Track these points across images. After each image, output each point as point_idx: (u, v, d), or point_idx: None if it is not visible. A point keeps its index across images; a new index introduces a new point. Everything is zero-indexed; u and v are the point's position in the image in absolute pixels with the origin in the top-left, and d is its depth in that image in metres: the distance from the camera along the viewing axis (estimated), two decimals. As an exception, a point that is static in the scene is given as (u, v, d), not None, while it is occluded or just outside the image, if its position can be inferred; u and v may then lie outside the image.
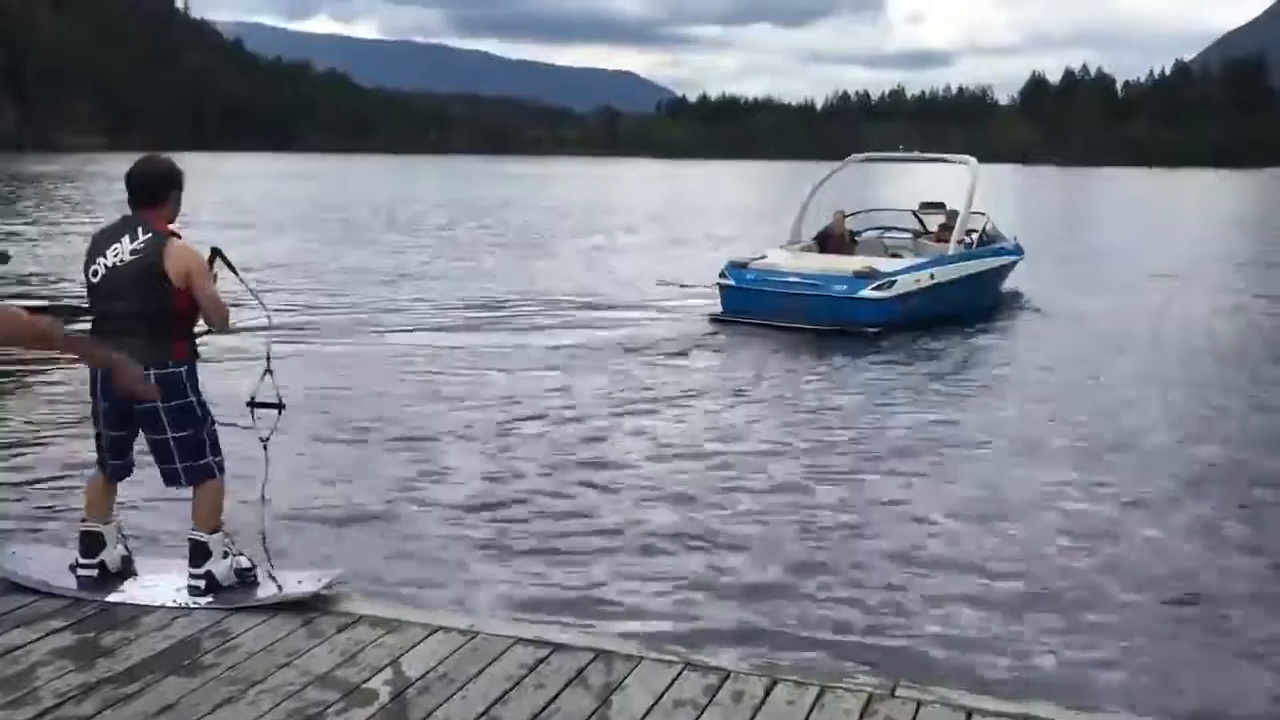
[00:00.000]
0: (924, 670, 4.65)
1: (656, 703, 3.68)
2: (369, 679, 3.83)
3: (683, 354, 12.24)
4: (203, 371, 4.57)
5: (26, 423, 8.69)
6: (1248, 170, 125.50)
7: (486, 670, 3.90)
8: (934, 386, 10.79)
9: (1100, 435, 8.92)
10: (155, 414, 4.39)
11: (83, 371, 4.57)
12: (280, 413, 4.63)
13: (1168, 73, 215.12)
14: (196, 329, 4.54)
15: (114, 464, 4.61)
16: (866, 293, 13.58)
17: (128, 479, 4.74)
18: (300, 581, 4.58)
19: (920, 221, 17.25)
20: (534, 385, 10.42)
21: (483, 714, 3.61)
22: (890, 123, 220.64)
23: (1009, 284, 17.14)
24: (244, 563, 4.62)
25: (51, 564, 4.72)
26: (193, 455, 4.48)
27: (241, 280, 4.72)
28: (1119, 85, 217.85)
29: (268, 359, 4.68)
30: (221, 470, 4.59)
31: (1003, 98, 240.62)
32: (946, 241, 15.69)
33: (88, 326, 4.53)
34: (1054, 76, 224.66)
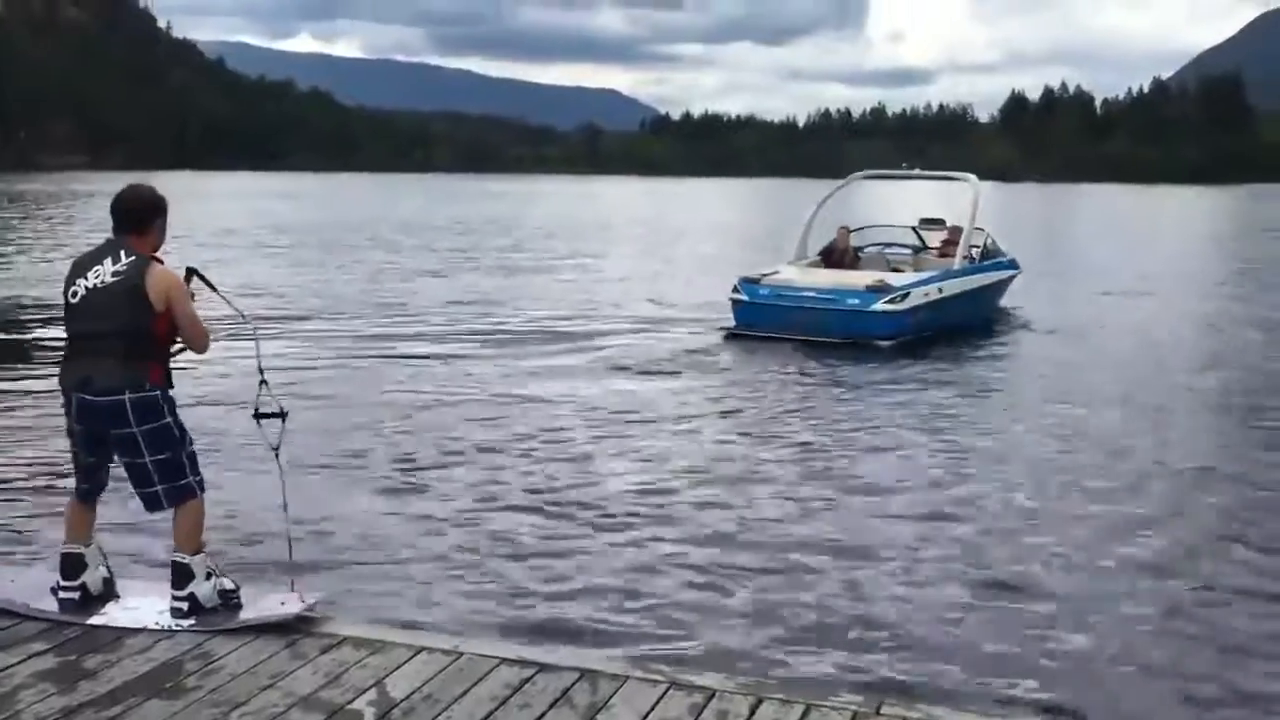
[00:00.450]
0: (909, 689, 4.66)
1: (642, 722, 3.67)
2: (353, 700, 3.82)
3: (675, 372, 12.21)
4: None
5: (2, 445, 8.62)
6: (1224, 186, 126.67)
7: (471, 691, 3.89)
8: (930, 406, 10.77)
9: (1100, 453, 8.95)
10: (132, 439, 4.37)
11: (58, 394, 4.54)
12: (284, 420, 4.64)
13: (1145, 90, 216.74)
14: (174, 349, 4.53)
15: (85, 487, 4.60)
16: (880, 306, 13.92)
17: (111, 502, 4.72)
18: (283, 603, 4.57)
19: (919, 237, 17.53)
20: (522, 404, 10.41)
21: (468, 735, 3.60)
22: (871, 140, 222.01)
23: (1004, 298, 17.47)
24: (227, 584, 4.60)
25: (32, 586, 4.70)
26: (172, 476, 4.46)
27: (222, 295, 4.72)
28: (1098, 103, 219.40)
29: (260, 370, 4.68)
30: (202, 489, 4.57)
31: (983, 115, 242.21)
32: (948, 256, 16.06)
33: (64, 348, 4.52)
34: (1033, 94, 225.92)
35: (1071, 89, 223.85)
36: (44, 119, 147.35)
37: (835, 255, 16.18)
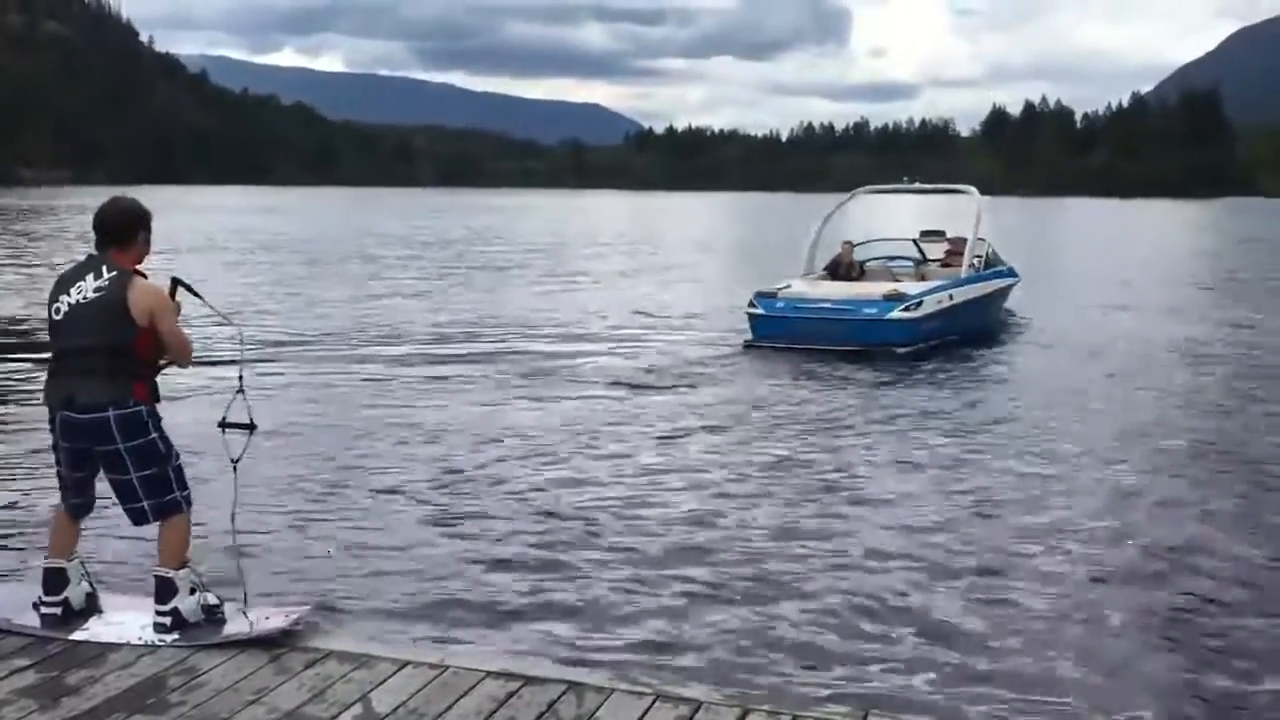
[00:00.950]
0: (895, 699, 4.67)
1: (628, 734, 3.67)
2: (337, 716, 3.80)
3: (668, 386, 12.15)
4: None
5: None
6: (1202, 200, 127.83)
7: (457, 704, 3.88)
8: (930, 416, 10.79)
9: (1100, 460, 8.97)
10: (117, 455, 4.35)
11: (43, 408, 4.52)
12: (251, 433, 4.61)
13: (1125, 105, 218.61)
14: (161, 364, 4.51)
15: (74, 502, 4.56)
16: (896, 314, 14.26)
17: (94, 515, 4.69)
18: (268, 618, 4.54)
19: (920, 249, 17.92)
20: (507, 416, 10.39)
21: (454, 748, 3.59)
22: (854, 154, 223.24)
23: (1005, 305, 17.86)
24: (211, 599, 4.58)
25: (13, 601, 4.66)
26: (159, 491, 4.43)
27: (207, 304, 4.71)
28: (1078, 117, 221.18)
29: (240, 380, 4.66)
30: (189, 504, 4.55)
31: (964, 129, 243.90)
32: (952, 267, 16.52)
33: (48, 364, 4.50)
34: (1015, 109, 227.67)
35: (1052, 103, 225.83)
36: (25, 134, 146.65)
37: (840, 269, 16.53)
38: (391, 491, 7.83)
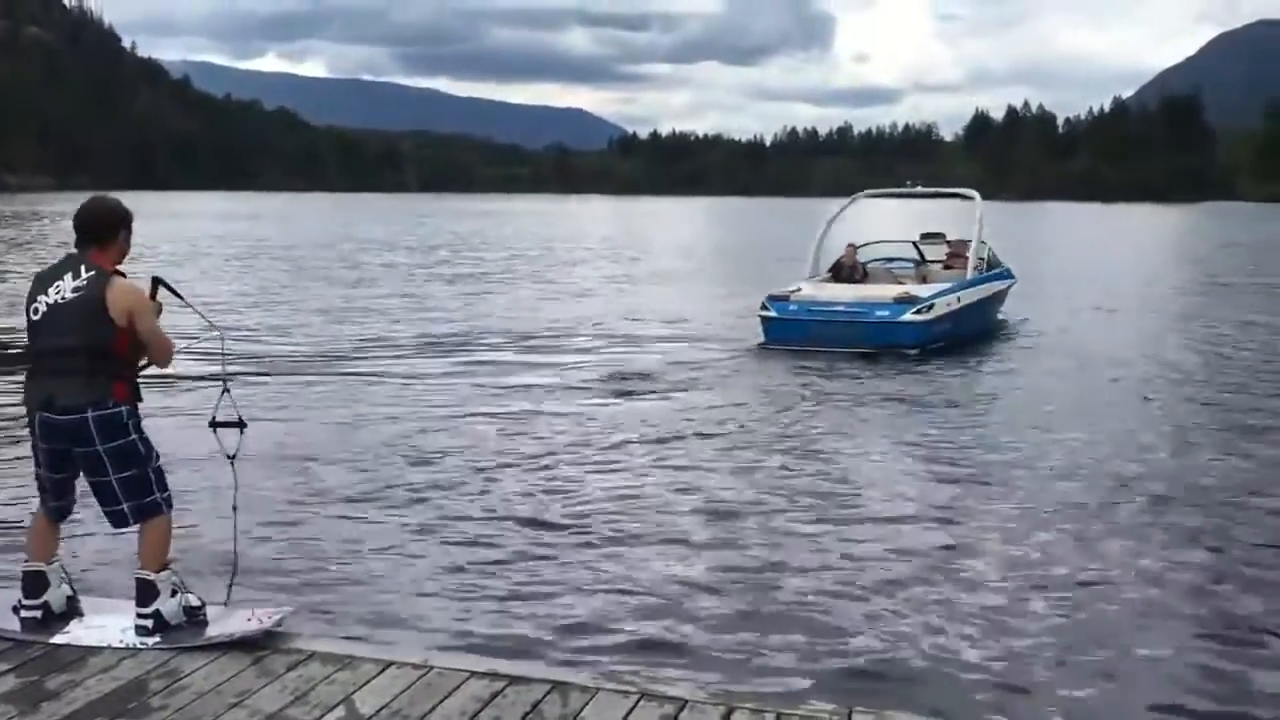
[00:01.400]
0: (880, 696, 4.67)
1: (613, 733, 3.67)
2: (321, 717, 3.78)
3: (653, 392, 12.13)
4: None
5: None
6: (1183, 205, 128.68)
7: (441, 705, 3.87)
8: (919, 419, 10.81)
9: (1096, 461, 8.99)
10: (96, 457, 4.32)
11: (21, 409, 4.49)
12: (242, 431, 4.60)
13: (1106, 110, 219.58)
14: (141, 365, 4.49)
15: (54, 505, 4.53)
16: (908, 317, 14.51)
17: (75, 517, 4.66)
18: (250, 619, 4.52)
19: (919, 251, 18.03)
20: (494, 421, 10.36)
21: (438, 749, 3.58)
22: (838, 159, 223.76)
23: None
24: (193, 600, 4.55)
25: (-7, 605, 4.63)
26: (139, 493, 4.40)
27: (189, 304, 4.69)
28: (1060, 122, 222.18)
29: (224, 379, 4.65)
30: (169, 505, 4.52)
31: (947, 134, 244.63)
32: (953, 269, 16.83)
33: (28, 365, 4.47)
34: (997, 114, 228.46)
35: (1034, 108, 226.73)
36: (8, 139, 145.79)
37: (844, 271, 16.72)
38: (375, 493, 7.80)
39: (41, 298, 4.35)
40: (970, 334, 15.60)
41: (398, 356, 14.46)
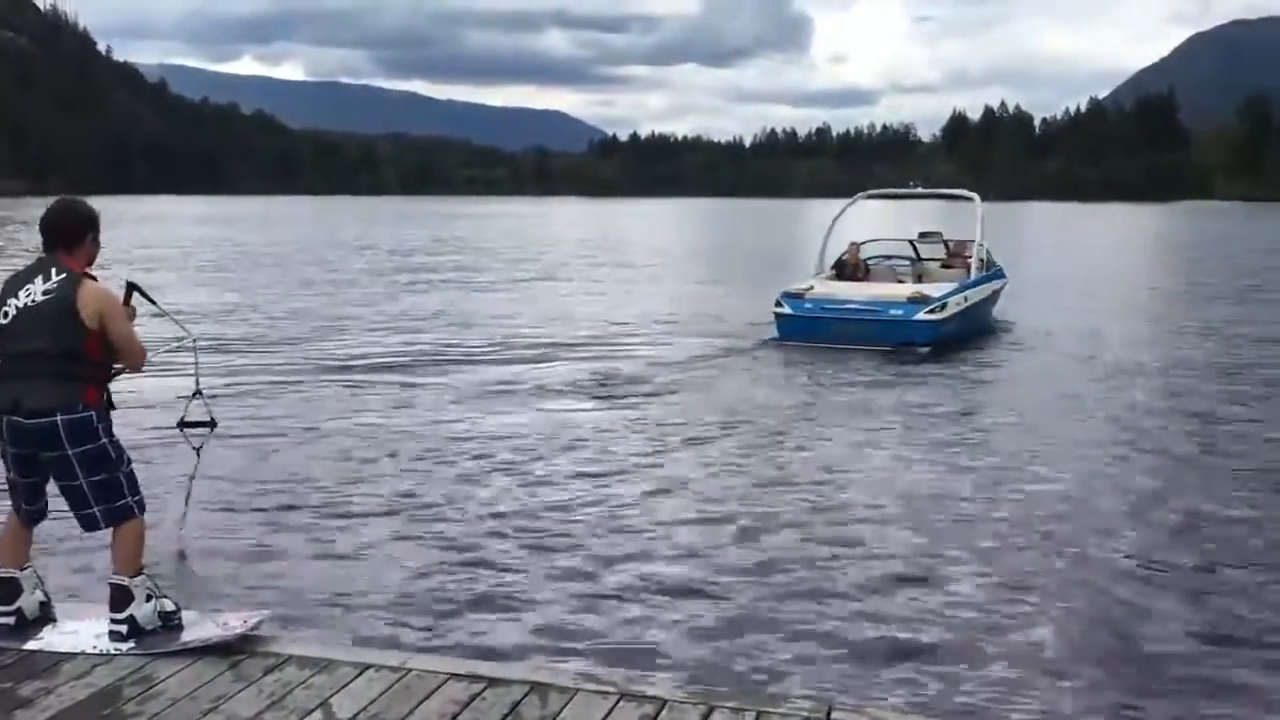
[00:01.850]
0: (859, 694, 4.68)
1: (592, 734, 3.66)
2: (298, 721, 3.75)
3: (646, 393, 12.14)
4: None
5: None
6: (1159, 204, 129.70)
7: (419, 708, 3.84)
8: (916, 417, 10.86)
9: (1085, 455, 9.07)
10: (65, 461, 4.28)
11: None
12: (212, 430, 4.57)
13: (1082, 110, 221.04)
14: (114, 369, 4.45)
15: (28, 509, 4.48)
16: (922, 316, 14.93)
17: (47, 521, 4.61)
18: (225, 624, 4.48)
19: (915, 249, 18.38)
20: (476, 424, 10.32)
21: (416, 751, 3.55)
22: (817, 160, 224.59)
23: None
24: (167, 605, 4.51)
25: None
26: (109, 497, 4.36)
27: (161, 309, 4.66)
28: (1037, 122, 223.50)
29: (196, 381, 4.61)
30: (142, 509, 4.48)
31: (925, 135, 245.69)
32: (953, 268, 17.39)
33: None
34: (974, 114, 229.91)
35: (1011, 109, 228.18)
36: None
37: (848, 269, 17.17)
38: (352, 497, 7.75)
39: (12, 301, 4.30)
40: (973, 333, 16.02)
41: (376, 361, 14.39)
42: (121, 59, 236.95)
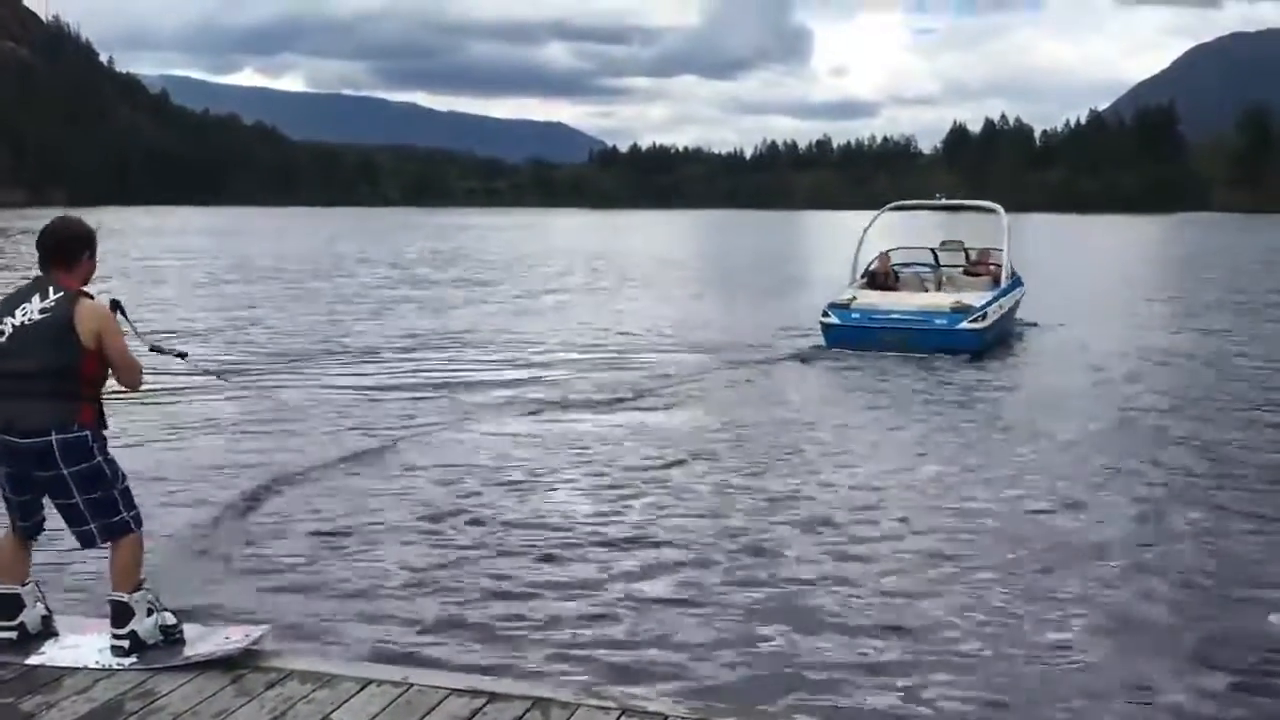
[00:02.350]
0: (858, 712, 4.68)
1: (594, 750, 3.66)
2: (300, 736, 3.76)
3: (650, 405, 12.13)
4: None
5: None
6: (1159, 215, 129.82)
7: (421, 723, 3.84)
8: (927, 427, 10.92)
9: (1091, 470, 9.06)
10: (60, 480, 4.28)
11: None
12: (184, 359, 4.70)
13: (1083, 122, 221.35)
14: (106, 388, 4.45)
15: (23, 525, 4.48)
16: (966, 325, 15.66)
17: (46, 536, 4.62)
18: (228, 638, 4.49)
19: (935, 257, 19.04)
20: (475, 435, 10.32)
21: (417, 767, 3.56)
22: (818, 171, 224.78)
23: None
24: (169, 619, 4.51)
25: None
26: (105, 513, 4.37)
27: (139, 335, 4.71)
28: (1037, 134, 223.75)
29: (183, 355, 4.74)
30: (139, 524, 4.48)
31: (926, 146, 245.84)
32: (977, 275, 18.14)
33: None
34: (974, 126, 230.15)
35: (1011, 120, 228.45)
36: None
37: (879, 278, 17.76)
38: (352, 511, 7.74)
39: (8, 319, 4.29)
40: (1004, 338, 16.79)
41: (381, 372, 14.40)
42: (123, 70, 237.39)
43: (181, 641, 4.47)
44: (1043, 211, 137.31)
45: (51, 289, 4.32)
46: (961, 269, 18.63)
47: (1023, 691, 5.02)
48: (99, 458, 4.34)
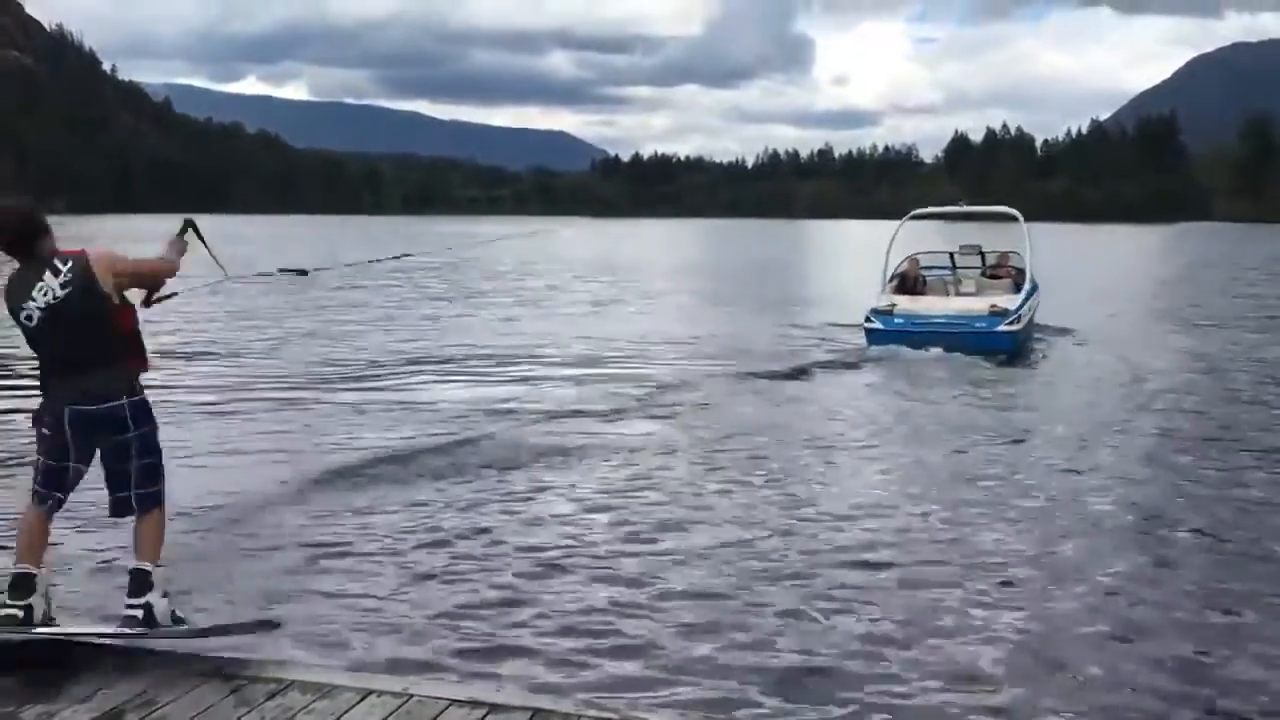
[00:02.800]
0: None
1: (593, 761, 3.66)
2: (300, 746, 3.76)
3: (660, 415, 12.07)
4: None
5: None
6: (1160, 225, 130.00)
7: (421, 733, 3.85)
8: (939, 432, 10.91)
9: (1095, 482, 9.01)
10: (125, 444, 4.41)
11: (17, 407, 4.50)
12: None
13: (1084, 132, 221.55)
14: (159, 295, 4.67)
15: (57, 496, 4.51)
16: (1003, 327, 16.38)
17: (50, 542, 4.65)
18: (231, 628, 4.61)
19: (953, 261, 19.65)
20: (473, 441, 10.32)
21: (417, 778, 3.56)
22: (820, 181, 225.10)
23: None
24: (178, 614, 4.60)
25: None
26: (150, 480, 4.50)
27: (215, 257, 5.05)
28: (1038, 144, 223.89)
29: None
30: (163, 500, 4.59)
31: (927, 156, 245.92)
32: (998, 278, 18.79)
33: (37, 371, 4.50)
34: (976, 136, 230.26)
35: (1013, 130, 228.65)
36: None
37: (908, 282, 18.40)
38: (355, 521, 7.74)
39: (29, 304, 4.31)
40: (1029, 341, 17.41)
41: (386, 377, 14.42)
42: (126, 78, 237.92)
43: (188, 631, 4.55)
44: (1044, 221, 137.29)
45: (57, 261, 4.35)
46: (980, 272, 19.20)
47: (1032, 697, 5.01)
48: (155, 422, 4.53)
